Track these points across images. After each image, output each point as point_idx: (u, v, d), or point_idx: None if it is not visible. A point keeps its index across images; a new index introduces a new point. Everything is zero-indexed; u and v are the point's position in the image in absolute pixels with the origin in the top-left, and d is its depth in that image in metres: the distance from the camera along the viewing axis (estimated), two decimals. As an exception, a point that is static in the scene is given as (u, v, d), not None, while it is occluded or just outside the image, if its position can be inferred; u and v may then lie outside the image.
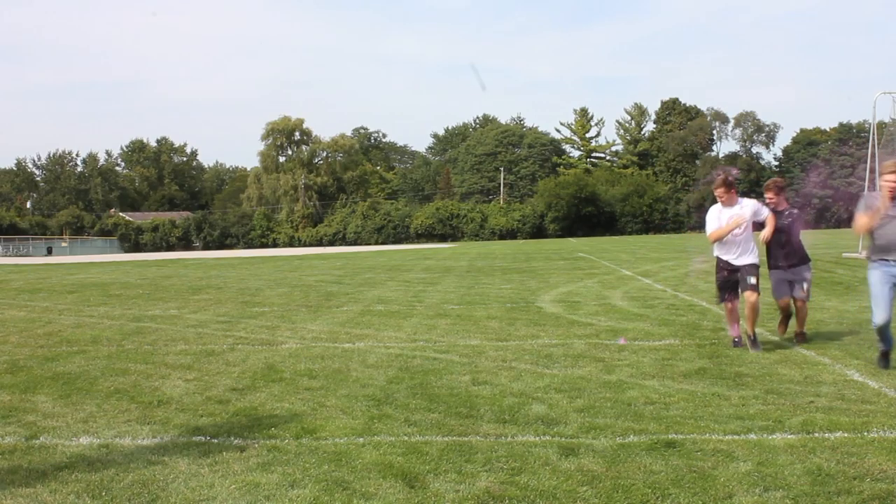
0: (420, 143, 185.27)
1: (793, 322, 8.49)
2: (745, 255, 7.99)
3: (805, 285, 8.19)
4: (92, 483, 4.31)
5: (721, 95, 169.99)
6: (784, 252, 8.23)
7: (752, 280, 7.85)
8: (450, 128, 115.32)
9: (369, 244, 75.15)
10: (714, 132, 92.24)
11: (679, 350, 7.99)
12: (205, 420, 5.59)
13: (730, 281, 8.08)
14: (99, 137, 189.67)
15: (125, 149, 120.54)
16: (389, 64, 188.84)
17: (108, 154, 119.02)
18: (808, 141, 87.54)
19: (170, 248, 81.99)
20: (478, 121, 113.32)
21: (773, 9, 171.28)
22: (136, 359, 8.05)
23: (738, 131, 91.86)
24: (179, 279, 20.53)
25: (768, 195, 8.45)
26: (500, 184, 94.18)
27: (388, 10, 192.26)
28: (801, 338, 8.27)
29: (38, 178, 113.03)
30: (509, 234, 78.14)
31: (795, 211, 8.49)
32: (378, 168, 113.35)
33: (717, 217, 8.00)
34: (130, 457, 4.75)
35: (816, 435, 4.93)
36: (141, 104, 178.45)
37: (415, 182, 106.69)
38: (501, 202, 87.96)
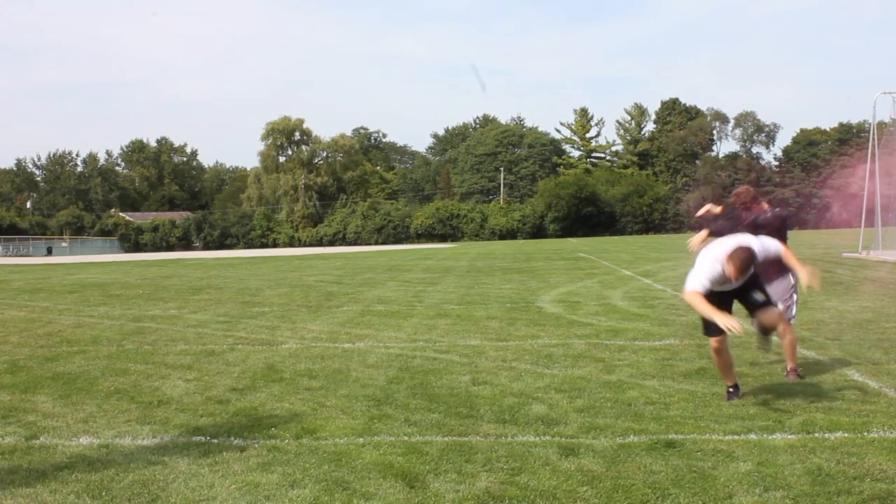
0: (420, 143, 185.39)
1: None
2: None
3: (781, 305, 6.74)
4: (92, 483, 4.31)
5: (721, 95, 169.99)
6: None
7: (759, 297, 6.00)
8: (450, 128, 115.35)
9: (369, 244, 75.13)
10: (714, 132, 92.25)
11: (679, 350, 7.99)
12: (205, 420, 5.59)
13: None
14: (99, 137, 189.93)
15: (125, 149, 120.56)
16: (389, 64, 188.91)
17: (108, 154, 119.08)
18: (808, 141, 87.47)
19: (170, 248, 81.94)
20: (478, 121, 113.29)
21: (772, 8, 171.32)
22: (136, 359, 8.05)
23: (738, 131, 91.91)
24: (179, 279, 20.54)
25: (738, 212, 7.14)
26: (500, 184, 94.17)
27: (388, 10, 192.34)
28: (794, 374, 6.61)
29: (38, 178, 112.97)
30: (509, 235, 78.12)
31: (776, 210, 7.15)
32: (378, 168, 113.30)
33: (712, 272, 5.71)
34: (130, 457, 4.75)
35: (816, 435, 4.93)
36: (141, 104, 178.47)
37: (415, 182, 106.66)
38: (501, 202, 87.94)
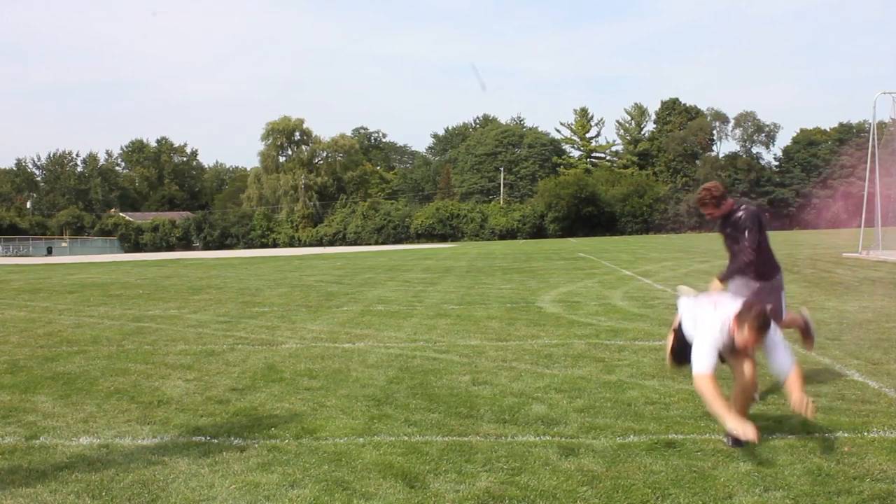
0: (420, 143, 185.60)
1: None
2: None
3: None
4: (92, 483, 4.31)
5: (721, 95, 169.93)
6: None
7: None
8: (450, 128, 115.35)
9: (369, 244, 75.12)
10: (714, 132, 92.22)
11: (679, 350, 7.98)
12: (205, 420, 5.59)
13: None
14: (99, 137, 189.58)
15: (125, 149, 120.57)
16: (389, 64, 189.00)
17: (108, 154, 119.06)
18: (808, 141, 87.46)
19: (170, 248, 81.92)
20: (478, 121, 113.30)
21: (772, 9, 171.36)
22: (136, 359, 8.05)
23: (738, 131, 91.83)
24: (179, 279, 20.53)
25: (705, 212, 6.29)
26: (500, 184, 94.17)
27: (388, 10, 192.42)
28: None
29: (38, 178, 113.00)
30: (509, 234, 78.11)
31: (742, 210, 6.19)
32: (378, 168, 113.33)
33: (721, 342, 4.76)
34: (130, 457, 4.75)
35: (816, 435, 4.94)
36: (141, 104, 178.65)
37: (415, 182, 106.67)
38: (501, 202, 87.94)
